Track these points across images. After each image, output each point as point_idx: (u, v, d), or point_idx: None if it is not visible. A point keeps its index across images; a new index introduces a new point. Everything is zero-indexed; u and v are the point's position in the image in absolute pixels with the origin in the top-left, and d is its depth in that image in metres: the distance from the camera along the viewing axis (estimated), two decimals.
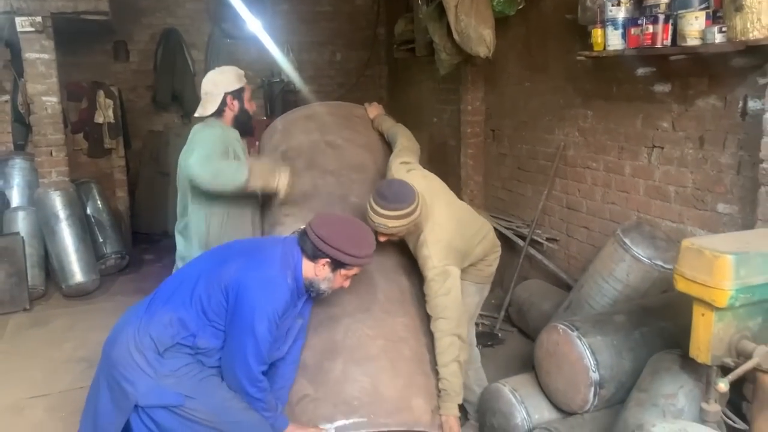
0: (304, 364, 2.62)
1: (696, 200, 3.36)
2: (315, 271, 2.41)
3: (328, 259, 2.38)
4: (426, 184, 2.89)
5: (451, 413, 2.65)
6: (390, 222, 2.62)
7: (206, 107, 3.18)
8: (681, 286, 2.09)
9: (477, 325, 4.75)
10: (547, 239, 4.77)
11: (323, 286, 2.45)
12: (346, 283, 2.50)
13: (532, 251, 4.83)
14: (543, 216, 4.82)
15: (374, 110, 3.63)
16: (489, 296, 5.21)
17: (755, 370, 2.05)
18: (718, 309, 2.00)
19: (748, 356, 2.02)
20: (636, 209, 3.82)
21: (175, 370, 2.26)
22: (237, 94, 3.19)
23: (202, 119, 3.22)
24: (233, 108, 3.18)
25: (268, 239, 2.61)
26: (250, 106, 3.28)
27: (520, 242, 4.90)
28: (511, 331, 4.67)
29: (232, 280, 2.29)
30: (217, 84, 3.17)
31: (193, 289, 2.31)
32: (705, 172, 3.29)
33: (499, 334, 4.62)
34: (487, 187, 5.82)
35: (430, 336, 2.73)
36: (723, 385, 1.93)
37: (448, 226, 2.80)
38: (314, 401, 2.54)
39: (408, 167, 2.96)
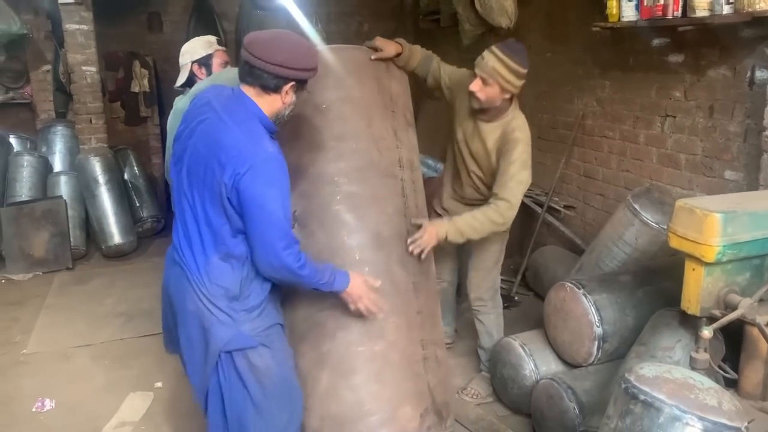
0: (297, 370, 2.54)
1: (705, 167, 3.48)
2: (282, 100, 2.22)
3: (292, 83, 2.20)
4: None
5: (439, 228, 2.75)
6: (502, 70, 2.83)
7: (179, 79, 3.30)
8: (674, 243, 2.25)
9: None
10: (565, 206, 4.92)
11: (287, 113, 2.28)
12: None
13: (550, 218, 4.98)
14: (561, 184, 4.95)
15: (391, 47, 2.88)
16: (507, 261, 5.41)
17: (741, 321, 2.22)
18: (707, 264, 2.16)
19: (734, 308, 2.18)
20: (649, 177, 3.95)
21: (249, 313, 2.25)
22: (203, 61, 3.24)
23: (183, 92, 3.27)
24: (201, 75, 3.22)
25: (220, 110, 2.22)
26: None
27: (538, 209, 5.05)
28: (528, 295, 4.85)
29: (236, 196, 2.12)
30: (184, 54, 3.27)
31: (210, 223, 2.20)
32: (714, 140, 3.41)
33: (516, 297, 4.80)
34: None
35: (425, 328, 2.68)
36: (707, 332, 2.10)
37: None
38: (304, 410, 2.52)
39: None
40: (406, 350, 2.62)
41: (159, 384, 3.69)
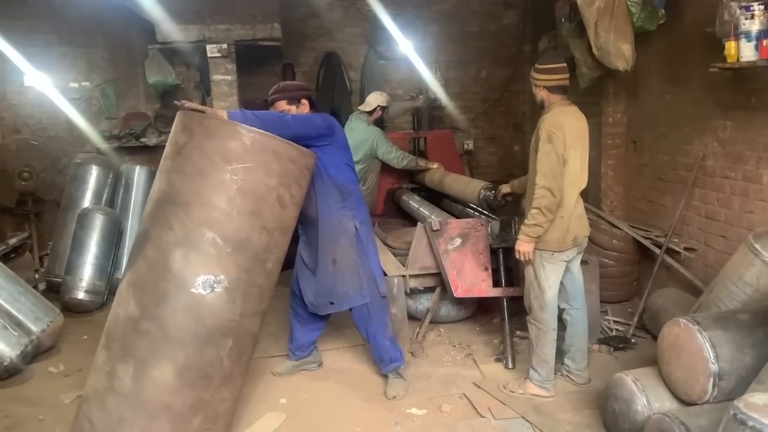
0: None
1: None
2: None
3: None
4: None
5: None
6: (533, 72, 3.73)
7: (365, 107, 6.13)
8: None
9: (611, 330, 4.91)
10: (685, 248, 4.83)
11: None
12: None
13: (670, 260, 4.90)
14: (682, 226, 4.88)
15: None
16: (626, 304, 5.37)
17: None
18: None
19: None
20: None
21: None
22: (382, 108, 6.14)
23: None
24: (377, 115, 6.13)
25: None
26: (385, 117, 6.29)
27: (657, 251, 4.98)
28: (645, 338, 4.76)
29: None
30: (376, 99, 6.10)
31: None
32: None
33: (633, 339, 4.73)
34: (628, 197, 5.91)
35: None
36: None
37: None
38: None
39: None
40: None
41: (283, 400, 3.99)
